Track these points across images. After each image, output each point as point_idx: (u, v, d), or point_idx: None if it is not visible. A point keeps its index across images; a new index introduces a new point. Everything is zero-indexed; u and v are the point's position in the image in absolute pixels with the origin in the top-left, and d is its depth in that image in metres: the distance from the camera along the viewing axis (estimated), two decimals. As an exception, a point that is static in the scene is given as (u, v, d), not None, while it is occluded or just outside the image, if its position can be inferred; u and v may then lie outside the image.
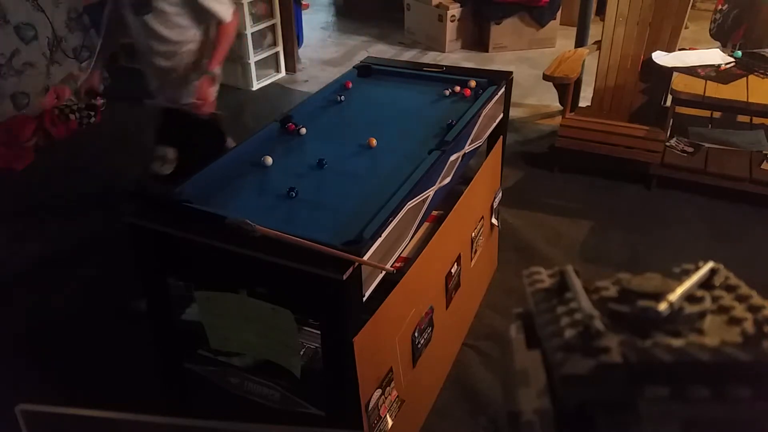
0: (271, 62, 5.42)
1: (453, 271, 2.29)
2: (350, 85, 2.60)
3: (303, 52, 5.84)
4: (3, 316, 2.75)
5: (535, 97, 4.86)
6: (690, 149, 3.77)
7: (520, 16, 5.87)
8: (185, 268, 1.80)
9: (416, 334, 1.99)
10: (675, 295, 0.52)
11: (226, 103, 4.99)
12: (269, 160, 2.00)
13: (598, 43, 3.98)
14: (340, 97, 2.50)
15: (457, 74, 2.69)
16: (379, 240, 1.63)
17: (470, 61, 5.77)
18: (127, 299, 2.61)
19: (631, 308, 0.52)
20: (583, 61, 3.97)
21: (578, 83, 4.14)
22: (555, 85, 3.83)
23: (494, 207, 2.74)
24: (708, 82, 3.43)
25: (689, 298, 0.53)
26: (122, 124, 4.30)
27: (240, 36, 5.00)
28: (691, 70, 3.54)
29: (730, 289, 0.57)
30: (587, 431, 0.49)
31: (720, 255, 0.68)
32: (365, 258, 1.55)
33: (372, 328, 1.67)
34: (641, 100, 3.87)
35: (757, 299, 0.55)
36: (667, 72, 3.59)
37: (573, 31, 4.52)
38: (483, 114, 2.35)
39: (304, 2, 5.79)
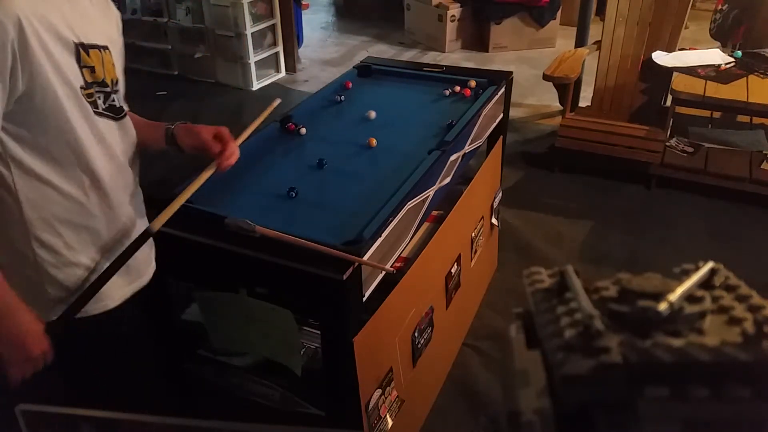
0: (271, 62, 5.42)
1: (453, 271, 2.29)
2: (350, 85, 2.60)
3: (303, 52, 5.84)
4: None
5: (535, 97, 4.86)
6: (690, 149, 3.77)
7: (520, 16, 5.88)
8: (185, 268, 1.80)
9: (416, 334, 1.99)
10: (675, 295, 0.52)
11: (226, 103, 5.02)
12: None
13: (598, 43, 3.98)
14: (340, 97, 2.50)
15: (457, 74, 2.69)
16: (379, 240, 1.63)
17: (470, 61, 5.77)
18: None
19: (631, 308, 0.52)
20: (583, 61, 3.97)
21: (578, 83, 4.14)
22: (555, 85, 3.83)
23: (494, 207, 2.74)
24: (708, 82, 3.43)
25: (689, 298, 0.53)
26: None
27: (240, 36, 5.01)
28: (691, 70, 3.54)
29: (730, 289, 0.57)
30: (587, 431, 0.49)
31: (720, 255, 0.68)
32: (365, 258, 1.55)
33: (372, 328, 1.67)
34: (641, 100, 3.87)
35: (757, 299, 0.55)
36: (667, 72, 3.59)
37: (573, 31, 4.52)
38: (483, 114, 2.35)
39: (304, 2, 5.79)
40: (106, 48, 1.33)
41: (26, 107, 1.19)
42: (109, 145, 1.35)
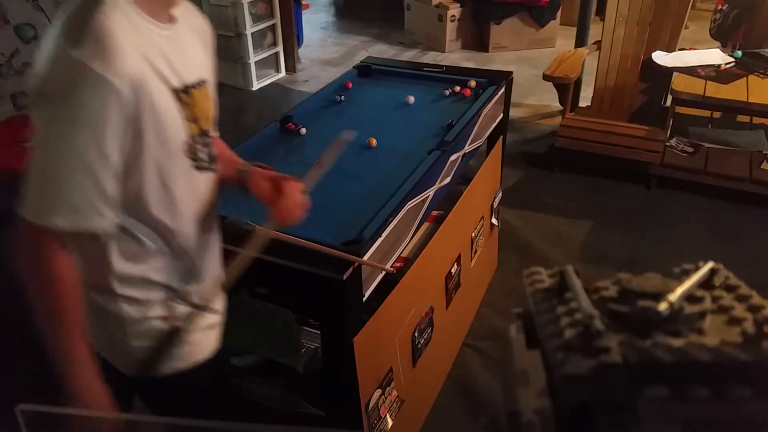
0: (271, 62, 5.42)
1: (453, 271, 2.29)
2: (350, 85, 2.60)
3: (303, 52, 5.84)
4: (2, 316, 2.75)
5: (535, 97, 4.86)
6: (690, 149, 3.77)
7: (520, 16, 5.87)
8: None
9: (416, 334, 1.99)
10: (675, 295, 0.52)
11: (226, 103, 5.01)
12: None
13: (598, 43, 3.98)
14: (340, 97, 2.50)
15: (457, 74, 2.69)
16: (379, 240, 1.63)
17: (470, 61, 5.77)
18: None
19: (631, 308, 0.52)
20: (583, 61, 3.97)
21: (578, 83, 4.14)
22: (555, 85, 3.83)
23: (494, 207, 2.74)
24: (708, 82, 3.43)
25: (689, 298, 0.53)
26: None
27: (240, 36, 5.01)
28: (691, 70, 3.54)
29: (730, 289, 0.57)
30: (587, 431, 0.49)
31: (720, 255, 0.68)
32: (365, 258, 1.55)
33: (372, 328, 1.67)
34: (641, 100, 3.87)
35: (757, 299, 0.55)
36: (667, 72, 3.59)
37: (573, 31, 4.52)
38: (483, 114, 2.35)
39: (304, 2, 5.79)
40: (204, 82, 1.21)
41: (126, 171, 1.09)
42: (202, 198, 1.25)
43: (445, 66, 2.89)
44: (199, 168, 1.20)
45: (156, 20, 1.10)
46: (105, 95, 1.00)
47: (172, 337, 1.24)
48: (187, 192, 1.20)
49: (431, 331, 2.11)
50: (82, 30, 1.00)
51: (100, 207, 1.06)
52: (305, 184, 1.33)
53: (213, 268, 1.34)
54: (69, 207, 1.04)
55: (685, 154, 3.72)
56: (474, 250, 2.53)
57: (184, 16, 1.19)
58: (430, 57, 5.93)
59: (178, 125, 1.13)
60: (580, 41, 4.36)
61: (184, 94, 1.14)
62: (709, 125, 4.23)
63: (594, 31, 4.35)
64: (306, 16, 6.23)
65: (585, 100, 4.26)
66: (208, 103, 1.23)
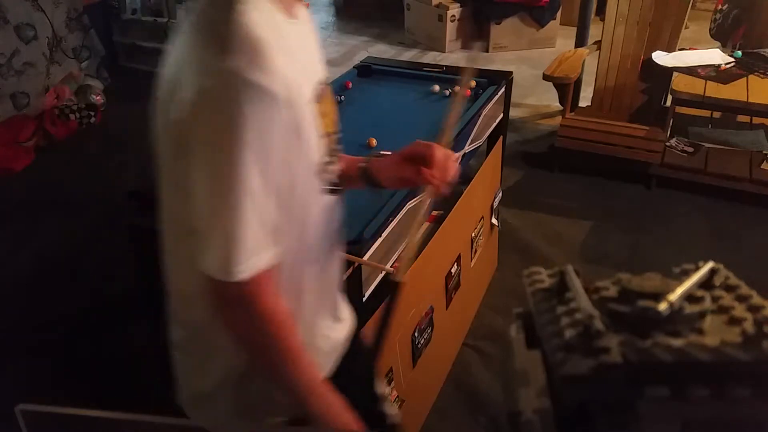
0: (271, 62, 5.41)
1: (453, 271, 2.29)
2: (350, 85, 2.60)
3: (303, 52, 5.84)
4: (3, 316, 2.75)
5: (535, 97, 4.86)
6: (690, 149, 3.77)
7: (520, 16, 5.88)
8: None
9: (416, 334, 1.99)
10: (675, 295, 0.52)
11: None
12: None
13: (598, 43, 3.98)
14: (340, 97, 2.49)
15: (457, 74, 2.68)
16: (379, 240, 1.63)
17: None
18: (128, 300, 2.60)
19: (631, 308, 0.52)
20: (583, 61, 3.97)
21: (578, 83, 4.14)
22: (555, 85, 3.83)
23: (494, 207, 2.74)
24: (708, 82, 3.43)
25: (689, 298, 0.53)
26: (122, 125, 4.30)
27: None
28: (691, 70, 3.54)
29: (730, 289, 0.57)
30: (587, 431, 0.49)
31: (720, 255, 0.68)
32: (365, 258, 1.55)
33: (372, 327, 1.67)
34: (641, 100, 3.87)
35: (757, 299, 0.55)
36: (667, 72, 3.59)
37: (573, 31, 4.52)
38: (483, 114, 2.35)
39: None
40: (325, 81, 1.07)
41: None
42: (329, 223, 1.10)
43: (445, 66, 2.89)
44: (328, 190, 1.07)
45: (287, 14, 0.97)
46: (269, 108, 0.85)
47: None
48: (316, 218, 1.06)
49: (431, 331, 2.11)
50: (224, 35, 0.85)
51: (270, 240, 0.93)
52: (443, 141, 1.17)
53: (331, 295, 1.22)
54: (252, 251, 0.90)
55: (685, 154, 3.73)
56: (474, 250, 2.53)
57: (301, 8, 1.06)
58: (430, 57, 5.93)
59: (315, 141, 0.99)
60: (580, 41, 4.36)
61: (317, 99, 1.00)
62: (709, 125, 4.23)
63: (594, 31, 4.35)
64: (306, 16, 6.23)
65: (585, 100, 4.26)
66: (333, 111, 1.09)
